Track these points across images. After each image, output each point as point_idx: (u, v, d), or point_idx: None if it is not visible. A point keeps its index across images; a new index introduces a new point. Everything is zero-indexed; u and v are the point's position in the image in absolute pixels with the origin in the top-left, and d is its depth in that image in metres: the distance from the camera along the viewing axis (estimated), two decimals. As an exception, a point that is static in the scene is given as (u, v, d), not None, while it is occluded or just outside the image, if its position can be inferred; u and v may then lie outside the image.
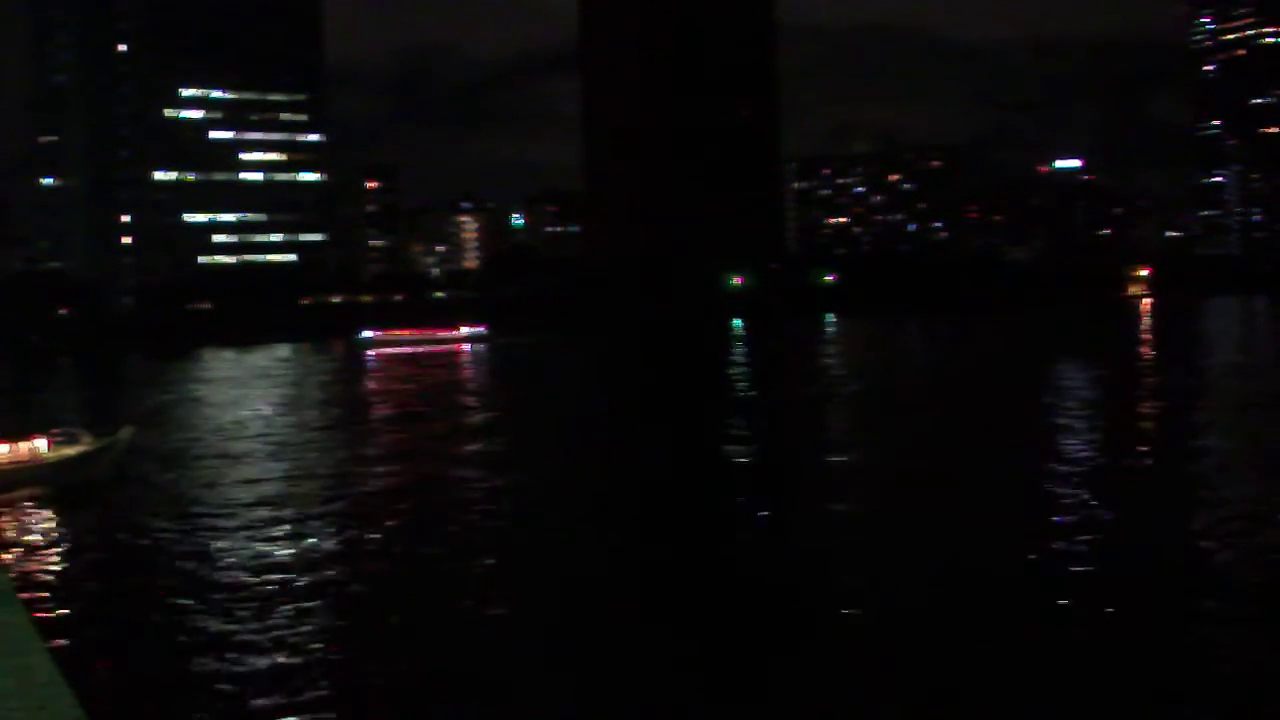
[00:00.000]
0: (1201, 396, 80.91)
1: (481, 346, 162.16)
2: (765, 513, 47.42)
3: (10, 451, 53.39)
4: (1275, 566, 34.78)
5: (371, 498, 50.71)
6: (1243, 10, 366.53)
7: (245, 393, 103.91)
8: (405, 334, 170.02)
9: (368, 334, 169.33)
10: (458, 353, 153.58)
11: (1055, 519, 41.74)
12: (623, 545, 41.93)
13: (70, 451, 55.27)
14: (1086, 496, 46.09)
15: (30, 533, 46.16)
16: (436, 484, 54.53)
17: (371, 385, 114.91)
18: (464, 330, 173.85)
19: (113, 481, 54.79)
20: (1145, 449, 59.18)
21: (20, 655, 6.47)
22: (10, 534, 45.65)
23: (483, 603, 33.30)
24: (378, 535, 42.81)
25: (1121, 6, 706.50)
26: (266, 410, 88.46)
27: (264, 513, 47.11)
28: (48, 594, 36.21)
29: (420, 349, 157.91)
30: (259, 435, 72.83)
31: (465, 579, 36.17)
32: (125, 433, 58.46)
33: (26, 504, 50.31)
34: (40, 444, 54.70)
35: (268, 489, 52.79)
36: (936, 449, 59.41)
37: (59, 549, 43.71)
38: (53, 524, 48.29)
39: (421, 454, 63.54)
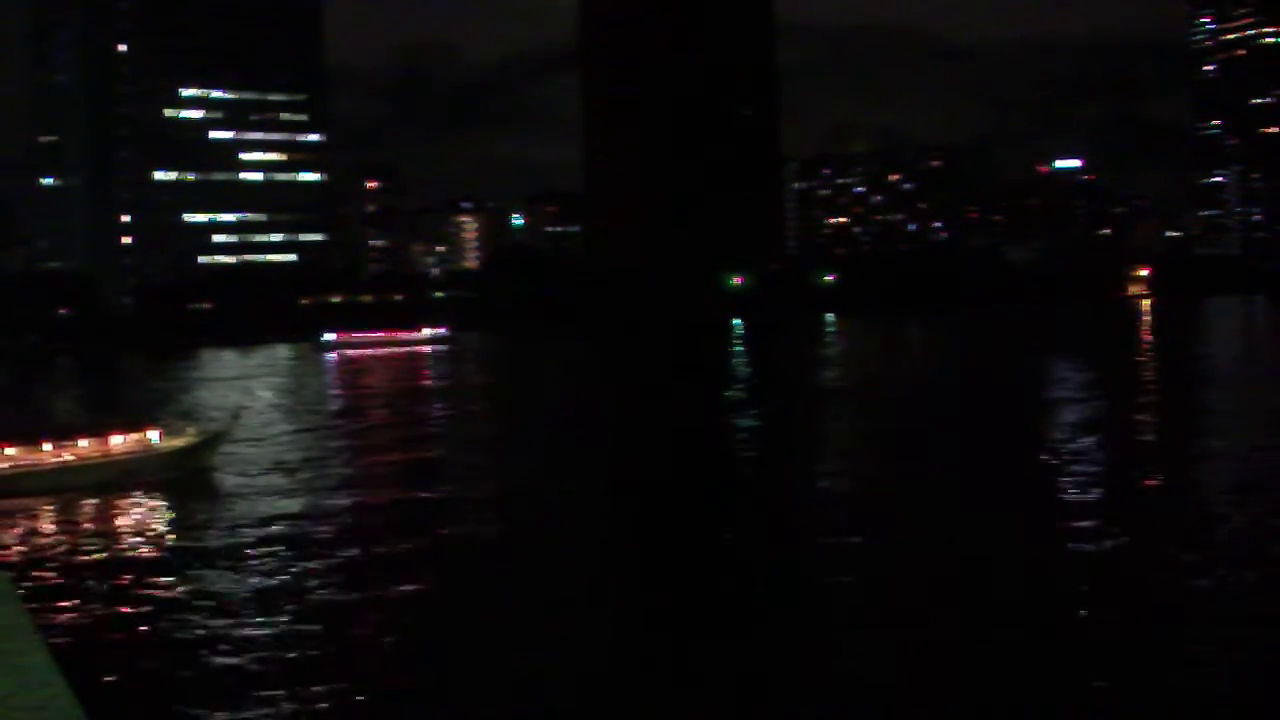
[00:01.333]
0: (1199, 396, 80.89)
1: (443, 348, 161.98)
2: (762, 517, 47.43)
3: (126, 442, 56.02)
4: (1267, 563, 34.83)
5: (406, 488, 51.24)
6: (1243, 10, 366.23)
7: (253, 392, 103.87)
8: (367, 336, 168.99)
9: (329, 336, 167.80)
10: (420, 354, 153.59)
11: (1052, 519, 41.79)
12: (614, 552, 41.94)
13: (179, 443, 57.82)
14: (1083, 494, 46.14)
15: (145, 519, 48.65)
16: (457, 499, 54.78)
17: (371, 382, 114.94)
18: (425, 332, 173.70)
19: (211, 471, 57.10)
20: (1143, 449, 59.23)
21: (20, 655, 6.48)
22: (127, 520, 48.09)
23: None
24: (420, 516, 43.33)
25: (1121, 6, 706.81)
26: (281, 408, 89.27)
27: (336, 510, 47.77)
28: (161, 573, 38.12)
29: (382, 350, 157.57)
30: (282, 434, 73.54)
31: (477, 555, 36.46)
32: (226, 426, 61.42)
33: (139, 491, 52.74)
34: (153, 435, 57.38)
35: (317, 489, 53.80)
36: (935, 450, 59.42)
37: (172, 534, 45.52)
38: (165, 510, 50.51)
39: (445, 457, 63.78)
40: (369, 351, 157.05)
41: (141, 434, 57.18)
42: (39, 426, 60.42)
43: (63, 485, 52.47)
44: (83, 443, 55.60)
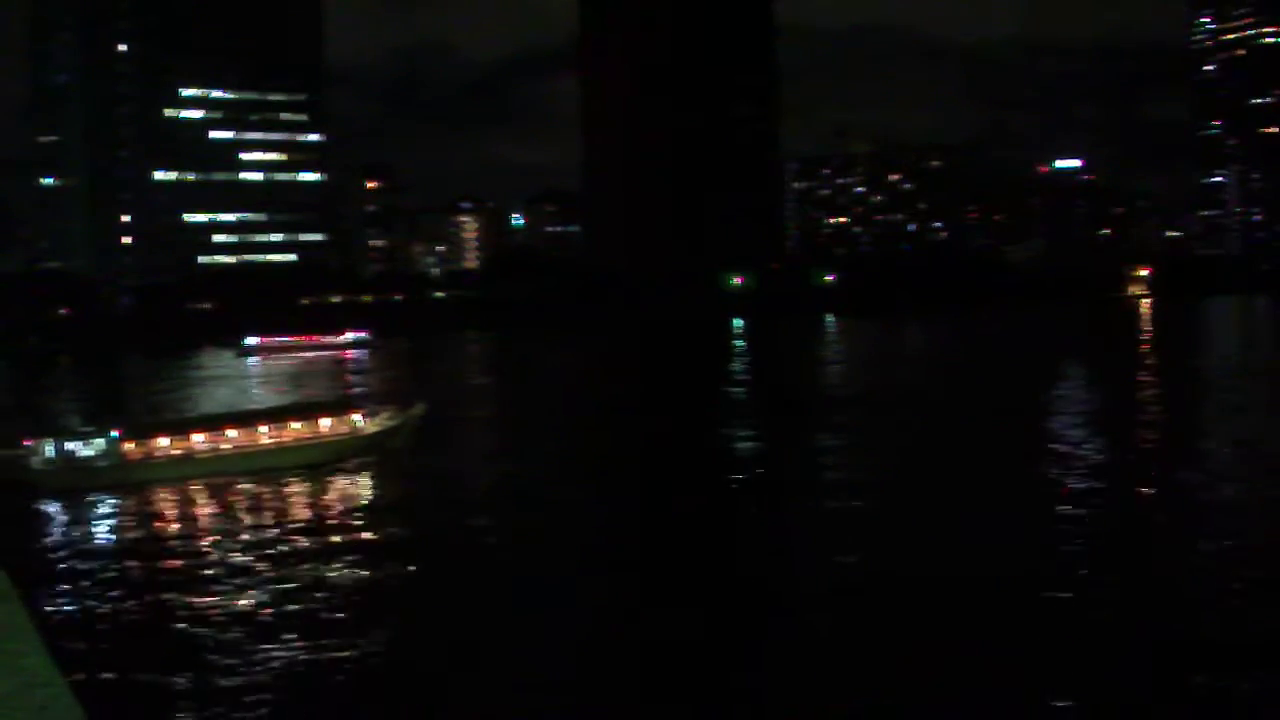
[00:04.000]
0: (1199, 397, 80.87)
1: (364, 351, 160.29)
2: (757, 519, 47.35)
3: (334, 425, 59.71)
4: (1263, 562, 34.82)
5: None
6: (1243, 10, 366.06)
7: (260, 390, 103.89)
8: (289, 339, 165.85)
9: (251, 340, 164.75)
10: (343, 358, 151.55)
11: (1049, 525, 41.76)
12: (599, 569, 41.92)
13: (380, 426, 61.17)
14: (1082, 499, 46.11)
15: (363, 495, 52.85)
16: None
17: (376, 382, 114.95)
18: (348, 336, 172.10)
19: (406, 451, 60.60)
20: (1143, 450, 59.21)
21: (20, 655, 6.44)
22: (350, 495, 52.19)
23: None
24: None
25: (1121, 6, 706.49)
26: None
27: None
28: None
29: (305, 354, 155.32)
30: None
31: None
32: (418, 409, 64.39)
33: (351, 471, 56.42)
34: (358, 419, 60.94)
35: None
36: (933, 452, 59.38)
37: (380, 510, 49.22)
38: (373, 488, 54.33)
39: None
40: (291, 356, 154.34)
41: (348, 418, 60.60)
42: (255, 411, 66.83)
43: (277, 465, 56.33)
44: (295, 425, 59.25)
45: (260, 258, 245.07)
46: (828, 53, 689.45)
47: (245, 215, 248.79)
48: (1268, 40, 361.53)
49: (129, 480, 53.76)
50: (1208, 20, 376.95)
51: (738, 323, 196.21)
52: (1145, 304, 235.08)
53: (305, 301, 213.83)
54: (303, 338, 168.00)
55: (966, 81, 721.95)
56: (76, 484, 52.88)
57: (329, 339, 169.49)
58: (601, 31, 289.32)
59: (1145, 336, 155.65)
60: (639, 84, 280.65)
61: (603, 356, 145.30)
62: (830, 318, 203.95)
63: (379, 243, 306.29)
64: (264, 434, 58.32)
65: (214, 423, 60.66)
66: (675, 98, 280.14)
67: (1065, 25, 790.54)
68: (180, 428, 59.78)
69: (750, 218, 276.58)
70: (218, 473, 55.00)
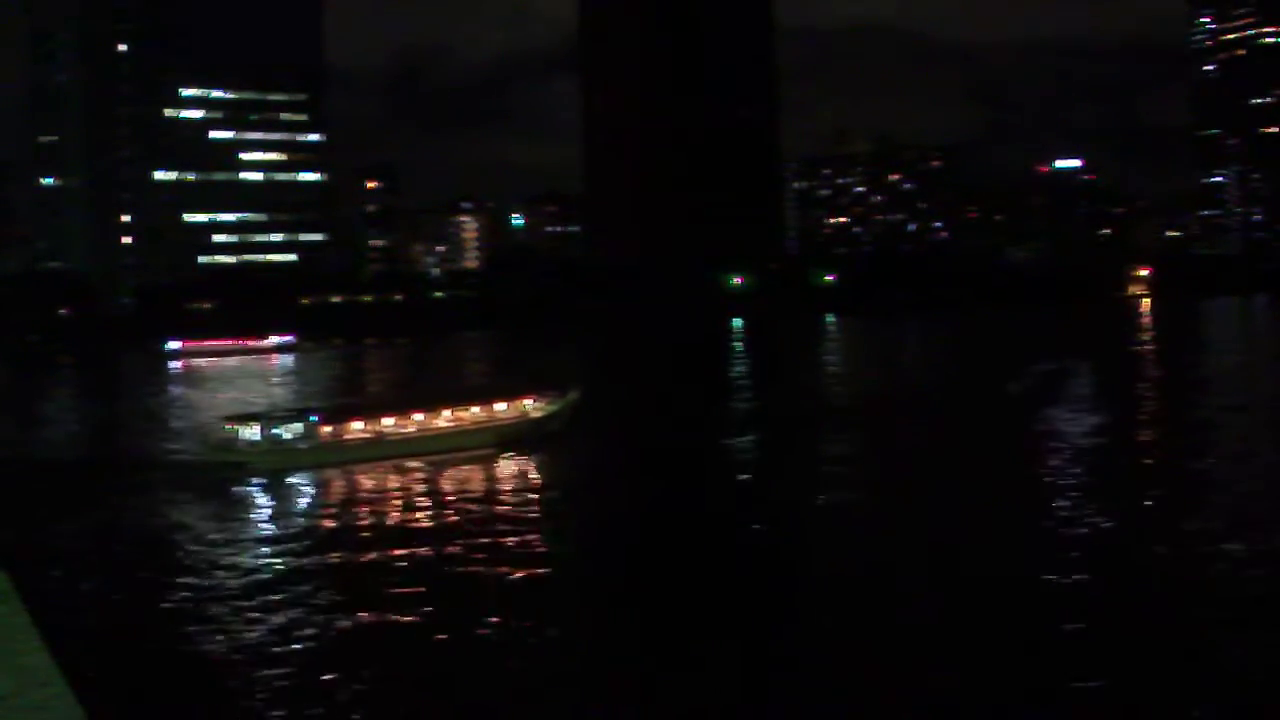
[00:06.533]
0: (1199, 397, 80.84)
1: (290, 355, 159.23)
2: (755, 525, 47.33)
3: (508, 409, 62.91)
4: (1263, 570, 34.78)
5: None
6: (1243, 10, 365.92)
7: (268, 389, 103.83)
8: (213, 344, 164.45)
9: (174, 344, 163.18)
10: (268, 362, 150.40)
11: (1046, 528, 41.73)
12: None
13: (545, 409, 63.90)
14: (1080, 501, 46.09)
15: (530, 473, 56.45)
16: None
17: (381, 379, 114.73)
18: (272, 339, 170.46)
19: (563, 433, 63.32)
20: (1143, 452, 59.18)
21: (20, 655, 6.46)
22: (519, 472, 55.87)
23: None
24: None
25: (1121, 6, 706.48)
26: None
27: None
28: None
29: (229, 359, 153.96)
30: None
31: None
32: (574, 394, 66.75)
33: (524, 453, 59.17)
34: (528, 403, 63.86)
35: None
36: (933, 454, 59.36)
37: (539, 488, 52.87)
38: (538, 466, 57.35)
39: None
40: (215, 360, 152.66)
41: (520, 402, 63.57)
42: (439, 395, 70.80)
43: (456, 447, 59.00)
44: (474, 409, 62.52)
45: (260, 258, 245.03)
46: (827, 53, 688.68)
47: (245, 215, 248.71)
48: (1268, 40, 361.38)
49: (325, 461, 57.12)
50: (1208, 20, 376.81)
51: (737, 323, 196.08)
52: (1145, 304, 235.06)
53: (305, 301, 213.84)
54: (226, 341, 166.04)
55: (966, 81, 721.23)
56: (280, 464, 56.39)
57: (253, 343, 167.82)
58: (601, 32, 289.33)
59: (1145, 336, 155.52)
60: (639, 84, 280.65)
61: (601, 357, 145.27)
62: (830, 318, 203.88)
63: (379, 243, 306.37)
64: (445, 418, 61.18)
65: (401, 407, 64.01)
66: (675, 98, 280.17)
67: (1065, 25, 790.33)
68: (371, 412, 63.20)
69: (750, 218, 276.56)
70: (404, 454, 58.05)
